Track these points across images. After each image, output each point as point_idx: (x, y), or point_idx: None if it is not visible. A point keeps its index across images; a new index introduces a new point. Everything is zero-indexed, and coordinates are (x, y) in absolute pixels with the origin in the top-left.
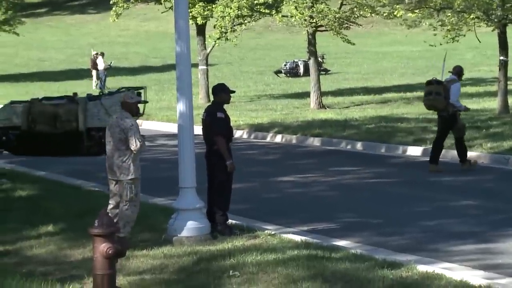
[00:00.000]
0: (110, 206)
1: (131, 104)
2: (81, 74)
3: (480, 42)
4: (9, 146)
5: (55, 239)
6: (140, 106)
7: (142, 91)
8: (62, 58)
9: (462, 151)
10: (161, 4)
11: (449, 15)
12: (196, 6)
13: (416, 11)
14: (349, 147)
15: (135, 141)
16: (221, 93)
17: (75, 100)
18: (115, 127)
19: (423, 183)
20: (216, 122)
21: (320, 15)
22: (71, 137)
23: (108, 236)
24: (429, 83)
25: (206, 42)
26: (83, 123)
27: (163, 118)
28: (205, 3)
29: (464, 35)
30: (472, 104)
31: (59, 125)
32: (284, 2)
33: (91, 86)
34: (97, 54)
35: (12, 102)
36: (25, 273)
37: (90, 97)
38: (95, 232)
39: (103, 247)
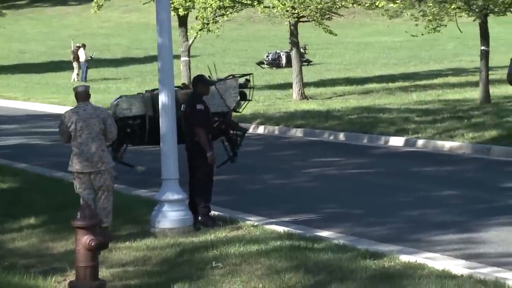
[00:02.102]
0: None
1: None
2: (62, 66)
3: (461, 32)
4: (134, 137)
5: (37, 231)
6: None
7: (250, 77)
8: (43, 50)
9: None
10: None
11: (430, 5)
12: None
13: (398, 1)
14: (331, 137)
15: (115, 129)
16: (199, 84)
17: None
18: (92, 118)
19: (405, 174)
20: (196, 113)
21: (302, 6)
22: None
23: (91, 228)
24: None
25: (188, 34)
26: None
27: None
28: None
29: (446, 25)
30: (453, 94)
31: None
32: None
33: (72, 78)
34: (78, 46)
35: (121, 96)
36: (7, 266)
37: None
38: (77, 224)
39: (85, 239)
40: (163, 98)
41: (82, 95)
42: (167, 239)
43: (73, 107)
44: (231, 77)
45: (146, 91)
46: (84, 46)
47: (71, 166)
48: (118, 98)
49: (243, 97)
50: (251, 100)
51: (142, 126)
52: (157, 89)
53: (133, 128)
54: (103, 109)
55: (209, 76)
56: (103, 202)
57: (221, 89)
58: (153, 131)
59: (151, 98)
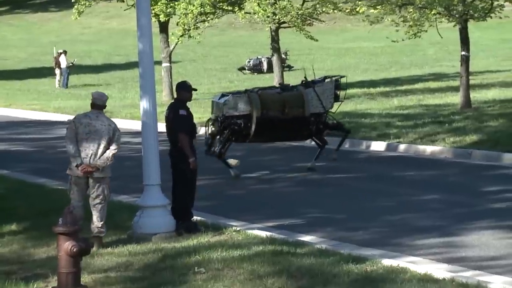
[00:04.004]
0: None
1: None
2: (44, 72)
3: (441, 37)
4: (239, 135)
5: (19, 238)
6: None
7: (343, 78)
8: (23, 57)
9: None
10: (123, 1)
11: (411, 11)
12: (159, 4)
13: (378, 7)
14: (313, 143)
15: (120, 142)
16: (182, 91)
17: (295, 88)
18: (103, 126)
19: (387, 178)
20: (178, 119)
21: (283, 12)
22: (299, 122)
23: (73, 234)
24: None
25: (169, 40)
26: (308, 109)
27: (126, 116)
28: (168, 0)
29: (426, 31)
30: (434, 99)
31: (288, 111)
32: None
33: (53, 85)
34: (60, 53)
35: (223, 95)
36: None
37: (305, 85)
38: (59, 231)
39: (67, 245)
40: (144, 104)
41: (101, 105)
42: (149, 244)
43: (86, 112)
44: (328, 79)
45: (247, 90)
46: (65, 52)
47: (70, 169)
48: (222, 97)
49: (336, 98)
50: (343, 101)
51: (247, 125)
52: (262, 88)
53: (239, 127)
54: (114, 122)
55: (305, 77)
56: (100, 212)
57: (319, 90)
58: (260, 130)
59: (259, 98)
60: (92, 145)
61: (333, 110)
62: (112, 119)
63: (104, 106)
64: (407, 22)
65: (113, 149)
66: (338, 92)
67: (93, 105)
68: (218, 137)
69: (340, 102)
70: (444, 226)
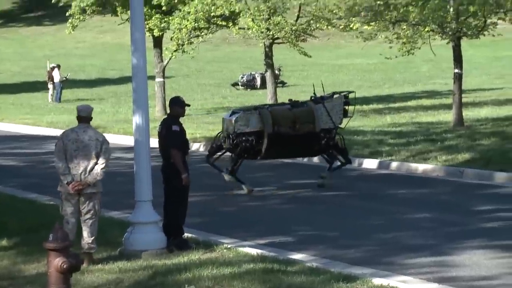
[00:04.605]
0: (70, 224)
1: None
2: (37, 86)
3: (435, 55)
4: (250, 152)
5: (9, 253)
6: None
7: (352, 94)
8: (17, 70)
9: None
10: (117, 16)
11: (404, 28)
12: (153, 18)
13: (372, 24)
14: (305, 160)
15: (109, 155)
16: (175, 106)
17: (305, 104)
18: (91, 141)
19: (379, 196)
20: (171, 135)
21: (277, 28)
22: (310, 138)
23: (63, 250)
24: None
25: (163, 55)
26: (318, 124)
27: (119, 131)
28: (162, 15)
29: (419, 48)
30: (427, 117)
31: (299, 127)
32: (241, 15)
33: (46, 99)
34: (53, 67)
35: (234, 112)
36: None
37: (315, 100)
38: (49, 247)
39: (57, 261)
40: (137, 119)
41: (85, 117)
42: (140, 261)
43: (73, 127)
44: (336, 94)
45: (256, 107)
46: (58, 66)
47: (60, 186)
48: (233, 114)
49: (345, 113)
50: (352, 117)
51: (258, 141)
52: (272, 105)
53: (251, 143)
54: (102, 134)
55: (314, 93)
56: (91, 227)
57: (328, 106)
58: (272, 147)
59: (271, 115)
60: (82, 161)
61: (342, 125)
62: (105, 134)
63: (90, 118)
64: (400, 39)
65: (101, 163)
66: (347, 108)
67: (79, 118)
68: (231, 154)
69: (349, 118)
70: (435, 245)
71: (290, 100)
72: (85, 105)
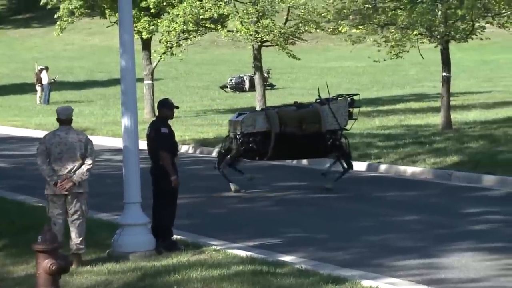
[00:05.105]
0: (57, 225)
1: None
2: (25, 88)
3: (423, 58)
4: (255, 153)
5: None
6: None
7: (356, 97)
8: (5, 72)
9: None
10: (106, 18)
11: (392, 32)
12: (142, 21)
13: (361, 27)
14: (294, 162)
15: (94, 154)
16: (163, 108)
17: (310, 105)
18: (74, 143)
19: (367, 198)
20: (160, 137)
21: (266, 30)
22: (316, 138)
23: (52, 252)
24: None
25: (151, 57)
26: (324, 125)
27: (108, 133)
28: (151, 17)
29: (408, 51)
30: (415, 120)
31: (305, 127)
32: (230, 17)
33: (35, 101)
34: (41, 69)
35: (240, 113)
36: None
37: (320, 102)
38: (38, 248)
39: (46, 263)
40: (126, 122)
41: (65, 119)
42: (129, 263)
43: (54, 129)
44: (340, 96)
45: (264, 108)
46: (47, 68)
47: (47, 189)
48: (239, 115)
49: (350, 115)
50: (357, 119)
51: (265, 142)
52: (281, 106)
53: (257, 144)
54: (84, 133)
55: (319, 96)
56: (79, 228)
57: (333, 108)
58: (279, 147)
59: (277, 115)
60: (67, 163)
61: (347, 127)
62: (94, 136)
63: (70, 120)
64: (389, 42)
65: (88, 163)
66: (352, 110)
67: (60, 121)
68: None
69: (354, 120)
70: (424, 247)
71: (295, 102)
72: (65, 107)
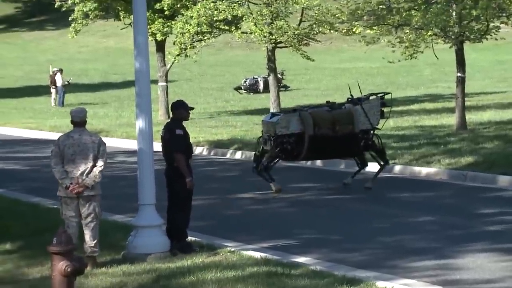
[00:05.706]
0: (71, 228)
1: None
2: (40, 91)
3: (437, 58)
4: (290, 154)
5: (13, 257)
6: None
7: (389, 95)
8: (20, 75)
9: None
10: (120, 20)
11: (407, 32)
12: (156, 23)
13: (375, 28)
14: (308, 163)
15: (106, 156)
16: (180, 110)
17: (343, 105)
18: (87, 144)
19: (382, 200)
20: (175, 139)
21: (280, 32)
22: (349, 139)
23: (67, 253)
24: None
25: (165, 59)
26: (357, 125)
27: (122, 135)
28: (165, 19)
29: (422, 52)
30: (430, 121)
31: (339, 129)
32: (244, 19)
33: (49, 103)
34: (56, 71)
35: (273, 114)
36: None
37: (353, 102)
38: (53, 250)
39: (61, 265)
40: (140, 123)
41: (79, 121)
42: (144, 264)
43: (68, 131)
44: (372, 95)
45: (296, 109)
46: (61, 71)
47: (60, 191)
48: (273, 116)
49: (382, 114)
50: (388, 118)
51: (299, 143)
52: (313, 106)
53: (292, 145)
54: (97, 135)
55: (351, 95)
56: (93, 231)
57: (366, 107)
58: (312, 148)
59: (311, 116)
60: (79, 164)
61: (379, 126)
62: (108, 138)
63: (84, 122)
64: (403, 43)
65: (99, 165)
66: (383, 109)
67: (73, 123)
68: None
69: (385, 119)
70: (439, 248)
71: (327, 102)
72: (78, 109)
